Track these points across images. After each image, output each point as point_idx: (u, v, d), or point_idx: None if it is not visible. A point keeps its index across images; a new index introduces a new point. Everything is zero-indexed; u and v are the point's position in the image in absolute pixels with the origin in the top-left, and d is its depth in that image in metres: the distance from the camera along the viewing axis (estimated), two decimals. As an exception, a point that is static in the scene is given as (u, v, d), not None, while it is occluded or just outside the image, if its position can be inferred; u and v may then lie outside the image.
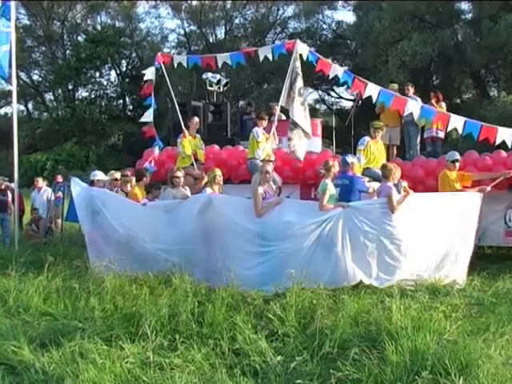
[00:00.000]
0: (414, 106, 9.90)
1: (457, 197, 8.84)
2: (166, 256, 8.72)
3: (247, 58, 11.21)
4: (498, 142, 9.24)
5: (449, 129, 9.72)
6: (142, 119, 11.30)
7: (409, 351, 5.13)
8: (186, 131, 10.87)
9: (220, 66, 11.31)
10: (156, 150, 11.36)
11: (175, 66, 11.31)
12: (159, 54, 11.53)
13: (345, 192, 8.53)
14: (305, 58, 10.04)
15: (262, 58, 10.62)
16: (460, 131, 9.53)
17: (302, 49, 10.14)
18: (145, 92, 11.18)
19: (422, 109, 9.96)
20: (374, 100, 9.88)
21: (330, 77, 10.30)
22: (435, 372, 4.73)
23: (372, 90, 9.79)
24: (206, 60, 11.46)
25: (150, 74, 11.00)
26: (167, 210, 9.06)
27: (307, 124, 10.12)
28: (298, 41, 10.30)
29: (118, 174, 11.04)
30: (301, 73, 10.02)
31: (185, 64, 11.30)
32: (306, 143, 10.24)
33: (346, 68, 33.07)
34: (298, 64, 9.99)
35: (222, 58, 11.18)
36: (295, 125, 9.96)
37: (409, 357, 5.04)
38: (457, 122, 9.50)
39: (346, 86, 10.44)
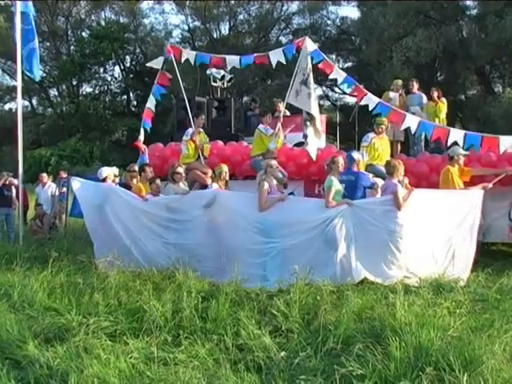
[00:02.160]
0: (412, 121, 9.84)
1: (459, 193, 8.84)
2: (169, 251, 8.74)
3: (259, 63, 11.02)
4: (501, 151, 9.24)
5: (449, 142, 9.70)
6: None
7: (413, 347, 5.11)
8: (194, 130, 10.70)
9: (229, 69, 11.15)
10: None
11: (182, 60, 11.03)
12: (169, 45, 11.42)
13: (350, 188, 8.53)
14: (310, 54, 10.02)
15: (274, 63, 10.34)
16: (461, 144, 9.49)
17: (311, 46, 10.10)
18: (160, 82, 11.05)
19: (420, 123, 9.86)
20: (371, 109, 9.79)
21: (330, 77, 10.23)
22: (439, 368, 4.72)
23: (370, 101, 9.78)
24: (214, 60, 11.19)
25: (157, 63, 10.85)
26: (171, 204, 9.07)
27: (319, 120, 10.16)
28: (307, 38, 10.27)
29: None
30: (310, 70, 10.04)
31: (192, 61, 10.92)
32: (318, 141, 10.26)
33: (348, 65, 33.35)
34: (309, 60, 9.96)
35: (232, 61, 10.94)
36: (311, 120, 9.96)
37: (413, 353, 5.02)
38: (457, 136, 9.50)
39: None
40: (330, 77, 10.12)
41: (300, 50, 10.10)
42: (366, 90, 9.89)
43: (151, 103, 11.07)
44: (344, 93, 37.51)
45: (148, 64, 11.22)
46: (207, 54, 11.14)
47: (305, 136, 10.21)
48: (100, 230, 9.53)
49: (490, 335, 5.48)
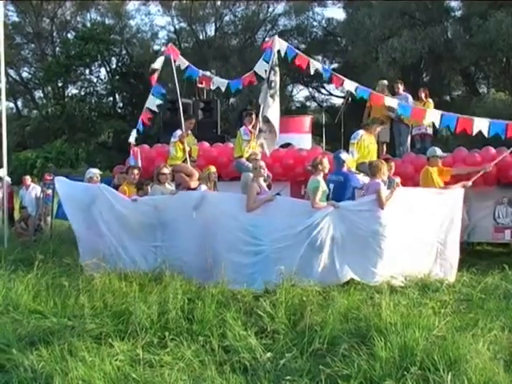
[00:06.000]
0: (391, 101, 10.08)
1: (440, 192, 8.87)
2: (156, 252, 8.71)
3: (248, 84, 11.12)
4: (474, 132, 9.16)
5: (426, 123, 10.27)
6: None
7: (398, 347, 5.14)
8: (183, 132, 10.61)
9: (213, 88, 11.36)
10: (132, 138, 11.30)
11: (175, 64, 11.05)
12: (170, 44, 11.47)
13: (339, 188, 8.50)
14: (283, 53, 10.09)
15: (262, 73, 10.40)
16: (437, 125, 9.68)
17: (281, 44, 10.16)
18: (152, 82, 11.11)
19: (399, 105, 10.04)
20: (354, 91, 9.90)
21: (312, 72, 10.27)
22: (424, 368, 4.76)
23: (349, 86, 9.91)
24: (202, 79, 11.36)
25: (158, 63, 10.82)
26: (158, 205, 9.02)
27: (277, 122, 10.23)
28: (276, 37, 10.34)
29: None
30: (277, 68, 10.14)
31: (182, 67, 11.05)
32: (274, 141, 10.36)
33: (335, 66, 33.51)
34: (275, 59, 10.06)
35: (219, 82, 11.18)
36: (267, 122, 10.05)
37: (398, 353, 5.05)
38: (433, 117, 9.66)
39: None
40: (310, 70, 10.13)
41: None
42: (342, 77, 9.98)
43: (150, 103, 11.08)
44: (330, 94, 37.80)
45: (152, 65, 11.13)
46: (196, 69, 11.13)
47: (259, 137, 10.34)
48: (86, 230, 9.45)
49: (474, 334, 5.53)
